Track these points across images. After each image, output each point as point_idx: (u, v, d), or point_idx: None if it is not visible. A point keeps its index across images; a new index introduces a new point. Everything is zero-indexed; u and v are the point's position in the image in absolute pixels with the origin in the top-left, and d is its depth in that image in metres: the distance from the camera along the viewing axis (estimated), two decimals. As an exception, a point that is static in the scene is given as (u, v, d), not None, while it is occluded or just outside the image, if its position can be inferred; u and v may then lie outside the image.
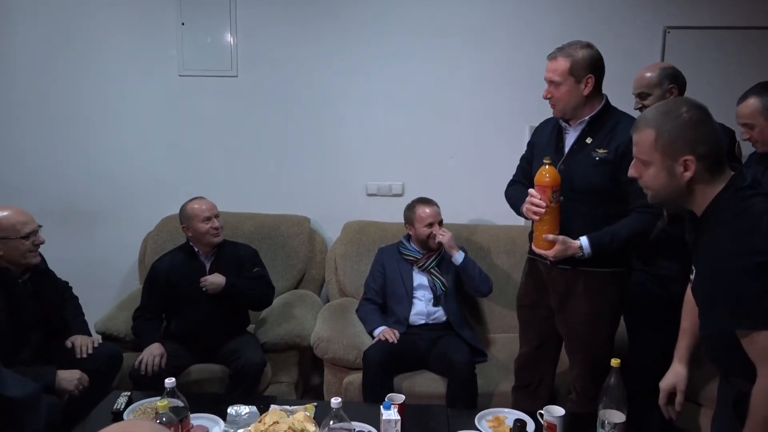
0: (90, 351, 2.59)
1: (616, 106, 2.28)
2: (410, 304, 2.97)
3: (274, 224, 3.46)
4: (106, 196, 3.63)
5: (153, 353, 2.68)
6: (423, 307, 2.97)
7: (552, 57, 2.22)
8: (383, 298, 3.04)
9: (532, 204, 2.21)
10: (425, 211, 2.98)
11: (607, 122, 2.22)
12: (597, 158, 2.20)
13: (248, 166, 3.58)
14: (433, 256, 3.02)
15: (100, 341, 2.76)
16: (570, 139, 2.29)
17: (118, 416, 2.21)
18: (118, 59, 3.51)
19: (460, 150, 3.48)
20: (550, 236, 2.18)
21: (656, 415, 2.71)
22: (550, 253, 2.20)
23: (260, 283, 2.96)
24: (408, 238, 3.09)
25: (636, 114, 2.57)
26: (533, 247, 2.28)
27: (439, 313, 2.97)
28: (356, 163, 3.54)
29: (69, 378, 2.41)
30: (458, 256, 2.93)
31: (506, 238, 3.33)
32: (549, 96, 2.23)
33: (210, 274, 2.87)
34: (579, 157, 2.24)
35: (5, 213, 2.43)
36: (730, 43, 3.27)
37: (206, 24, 3.44)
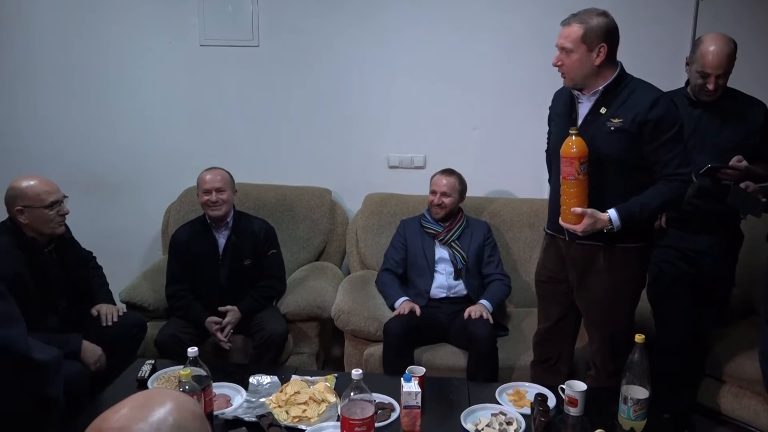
0: (115, 319, 2.64)
1: (631, 74, 2.21)
2: (431, 276, 2.97)
3: (295, 196, 3.46)
4: (128, 167, 3.65)
5: (215, 329, 2.77)
6: (444, 281, 2.96)
7: (566, 23, 2.14)
8: (404, 270, 3.04)
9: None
10: (437, 179, 3.03)
11: (622, 91, 2.15)
12: (612, 128, 2.13)
13: (269, 137, 3.56)
14: (454, 230, 3.00)
15: (125, 310, 2.80)
16: (583, 109, 2.22)
17: (142, 384, 2.24)
18: (140, 29, 3.49)
19: (484, 121, 3.42)
20: (578, 209, 2.13)
21: (683, 394, 2.71)
22: (578, 228, 2.14)
23: (271, 287, 2.96)
24: (429, 210, 3.07)
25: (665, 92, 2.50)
26: (561, 221, 2.22)
27: (460, 287, 2.96)
28: (378, 134, 3.51)
29: (91, 353, 2.46)
30: (489, 307, 2.85)
31: (528, 211, 3.30)
32: (559, 63, 2.16)
33: (222, 252, 2.88)
34: (593, 127, 2.18)
35: (30, 182, 2.45)
36: (766, 11, 3.15)
37: (227, -7, 3.40)
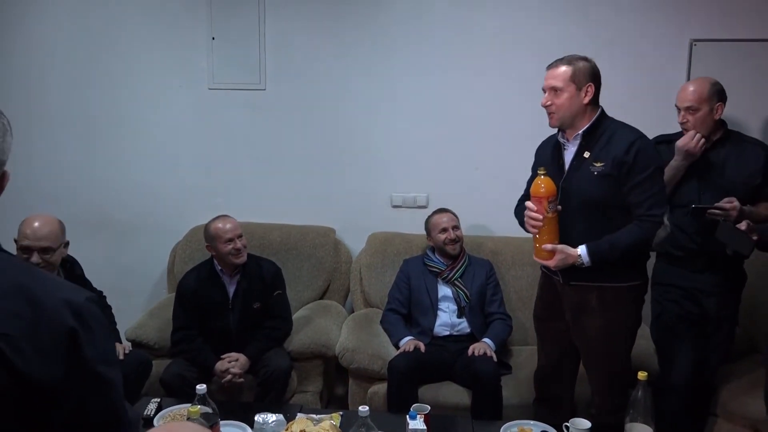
0: (121, 357, 2.65)
1: (614, 117, 2.30)
2: (435, 315, 2.99)
3: (299, 235, 3.50)
4: (136, 206, 3.71)
5: (224, 369, 2.77)
6: (447, 319, 2.99)
7: (552, 65, 2.25)
8: (408, 309, 3.06)
9: (530, 217, 2.24)
10: (438, 217, 3.07)
11: (603, 134, 2.23)
12: (595, 172, 2.21)
13: (275, 177, 3.63)
14: (457, 268, 3.03)
15: (131, 348, 2.81)
16: (569, 155, 2.30)
17: (148, 422, 2.24)
18: (150, 72, 3.59)
19: (485, 161, 3.48)
20: (549, 246, 2.21)
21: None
22: (551, 263, 2.23)
23: (278, 328, 2.96)
24: (432, 249, 3.11)
25: (664, 129, 2.58)
26: (534, 258, 2.31)
27: (463, 325, 2.98)
28: (381, 174, 3.57)
29: None
30: (492, 345, 2.88)
31: (530, 249, 3.23)
32: (548, 103, 2.24)
33: (232, 298, 2.90)
34: (579, 172, 2.25)
35: (51, 222, 2.48)
36: (758, 56, 3.24)
37: (236, 38, 3.51)
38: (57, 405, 0.92)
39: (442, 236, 3.03)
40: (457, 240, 3.03)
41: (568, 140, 2.29)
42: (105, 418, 0.98)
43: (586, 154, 2.23)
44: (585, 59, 2.24)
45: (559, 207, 2.23)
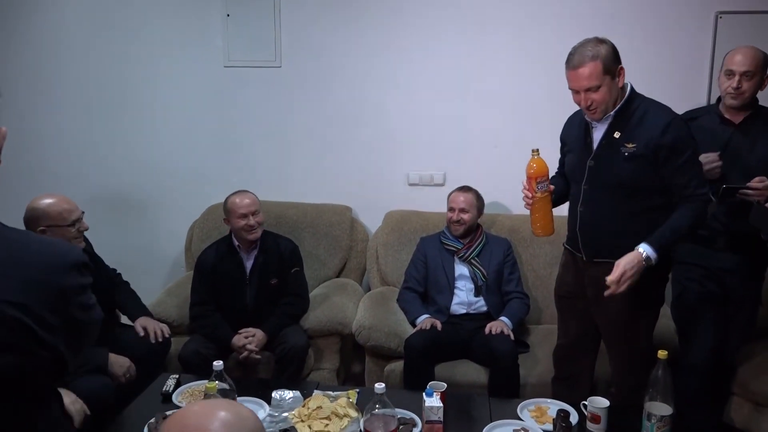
0: (167, 335, 2.72)
1: (643, 95, 2.22)
2: (451, 294, 2.98)
3: (316, 213, 3.50)
4: (153, 185, 3.72)
5: (241, 345, 2.79)
6: (464, 297, 2.97)
7: (578, 64, 2.10)
8: (425, 287, 3.05)
9: (524, 194, 2.26)
10: (455, 196, 3.06)
11: (634, 113, 2.17)
12: (626, 153, 2.15)
13: (291, 155, 3.62)
14: (474, 247, 3.01)
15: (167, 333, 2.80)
16: (598, 134, 2.24)
17: (167, 398, 2.28)
18: (165, 51, 3.58)
19: (504, 139, 3.44)
20: (614, 277, 2.09)
21: (709, 413, 2.68)
22: (620, 289, 2.10)
23: (295, 305, 2.97)
24: (449, 228, 3.09)
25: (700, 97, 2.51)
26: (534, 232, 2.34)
27: (480, 303, 2.97)
28: (398, 152, 3.54)
29: (120, 363, 2.49)
30: (509, 323, 2.86)
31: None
32: (589, 103, 2.13)
33: (249, 274, 2.92)
34: (608, 152, 2.20)
35: (51, 201, 2.43)
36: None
37: (251, 15, 3.48)
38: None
39: (449, 215, 3.03)
40: (461, 222, 3.00)
41: (597, 120, 2.23)
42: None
43: (617, 134, 2.18)
44: (602, 42, 2.12)
45: (552, 186, 2.24)
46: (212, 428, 0.84)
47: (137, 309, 2.80)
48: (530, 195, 2.24)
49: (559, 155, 2.53)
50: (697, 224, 2.22)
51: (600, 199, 2.24)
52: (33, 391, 1.05)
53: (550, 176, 2.31)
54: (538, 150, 2.21)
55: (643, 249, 2.12)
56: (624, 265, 2.10)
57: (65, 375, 1.09)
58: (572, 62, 2.13)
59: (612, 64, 2.11)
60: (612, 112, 2.18)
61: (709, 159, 2.41)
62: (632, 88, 2.21)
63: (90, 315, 1.12)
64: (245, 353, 2.78)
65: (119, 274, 2.93)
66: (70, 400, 2.07)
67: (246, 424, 0.88)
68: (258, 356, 2.81)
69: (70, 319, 1.05)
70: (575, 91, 2.17)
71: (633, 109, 2.17)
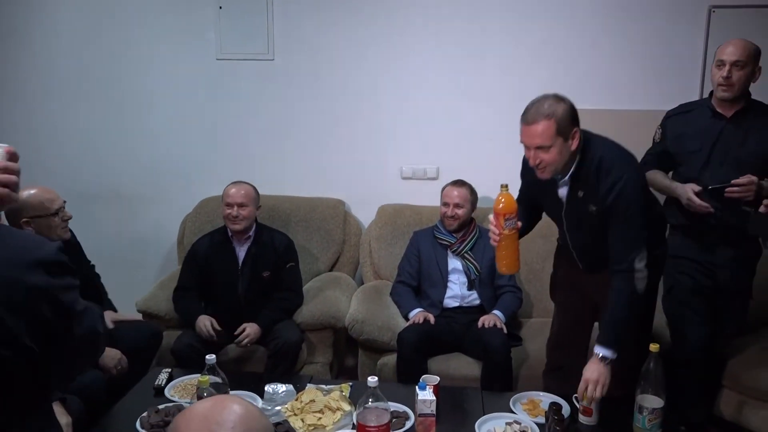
0: (111, 326, 2.65)
1: (597, 136, 2.15)
2: (445, 287, 2.98)
3: (309, 207, 3.49)
4: (145, 179, 3.71)
5: (204, 322, 2.77)
6: (457, 291, 2.98)
7: (532, 121, 2.02)
8: (418, 281, 3.06)
9: (491, 230, 2.17)
10: (449, 190, 3.04)
11: (589, 174, 2.09)
12: (592, 210, 2.12)
13: (284, 148, 3.60)
14: (467, 241, 3.01)
15: (141, 319, 2.82)
16: (563, 191, 2.19)
17: (159, 392, 2.27)
18: (157, 43, 3.56)
19: (496, 133, 3.43)
20: (585, 403, 2.08)
21: (700, 406, 2.69)
22: (598, 396, 2.06)
23: (289, 299, 2.98)
24: (442, 221, 3.09)
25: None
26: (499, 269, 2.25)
27: (473, 297, 2.97)
28: (391, 146, 3.54)
29: (110, 358, 2.48)
30: (502, 317, 2.86)
31: (541, 222, 3.26)
32: (538, 162, 2.06)
33: (242, 264, 2.93)
34: (577, 209, 2.17)
35: (31, 191, 2.40)
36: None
37: (243, 7, 3.46)
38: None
39: (443, 209, 3.03)
40: (455, 217, 3.00)
41: (546, 179, 2.14)
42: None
43: (580, 193, 2.13)
44: (561, 100, 2.02)
45: (519, 223, 2.14)
46: (229, 420, 0.84)
47: (108, 305, 2.80)
48: (497, 231, 2.14)
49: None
50: (635, 306, 2.12)
51: (584, 235, 2.24)
52: (13, 395, 1.00)
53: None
54: (507, 185, 2.10)
55: (598, 351, 2.08)
56: (589, 379, 2.06)
57: (53, 385, 1.05)
58: (526, 117, 2.04)
59: (567, 125, 2.01)
60: (567, 177, 2.13)
61: (695, 204, 2.45)
62: (585, 143, 2.09)
63: (78, 324, 1.05)
64: (246, 341, 2.78)
65: (93, 266, 2.88)
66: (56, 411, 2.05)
67: (262, 422, 0.88)
68: (249, 344, 2.80)
69: (43, 321, 0.99)
70: (526, 147, 2.09)
71: (587, 169, 2.09)
